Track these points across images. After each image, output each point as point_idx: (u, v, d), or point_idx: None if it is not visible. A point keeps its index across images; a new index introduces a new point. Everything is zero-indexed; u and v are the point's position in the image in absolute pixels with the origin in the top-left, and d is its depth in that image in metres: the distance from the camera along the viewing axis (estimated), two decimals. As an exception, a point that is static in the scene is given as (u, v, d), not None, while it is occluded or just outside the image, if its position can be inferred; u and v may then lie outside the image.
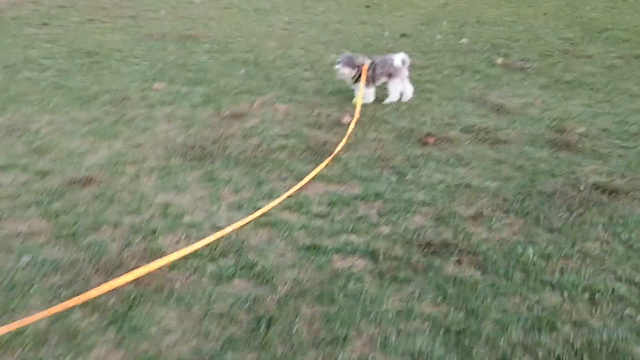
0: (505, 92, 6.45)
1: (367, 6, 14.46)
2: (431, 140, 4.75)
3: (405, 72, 5.86)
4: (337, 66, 5.72)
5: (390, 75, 5.79)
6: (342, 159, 4.36)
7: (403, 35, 9.93)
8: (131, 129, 4.86)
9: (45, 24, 9.56)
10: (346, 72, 5.69)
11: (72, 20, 10.11)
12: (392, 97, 5.91)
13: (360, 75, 5.69)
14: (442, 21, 11.95)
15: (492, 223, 3.47)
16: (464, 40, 9.56)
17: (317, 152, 4.43)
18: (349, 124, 5.01)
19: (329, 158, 4.25)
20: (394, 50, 8.46)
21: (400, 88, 5.90)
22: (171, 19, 10.98)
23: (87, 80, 6.28)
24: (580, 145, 4.74)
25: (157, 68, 6.96)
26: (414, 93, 6.05)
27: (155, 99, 5.74)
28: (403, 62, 5.78)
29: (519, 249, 3.18)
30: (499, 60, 7.98)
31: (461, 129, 5.12)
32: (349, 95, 6.03)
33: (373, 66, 5.70)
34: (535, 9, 13.90)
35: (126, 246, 3.08)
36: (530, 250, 3.13)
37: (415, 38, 9.79)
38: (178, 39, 8.81)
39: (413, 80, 6.47)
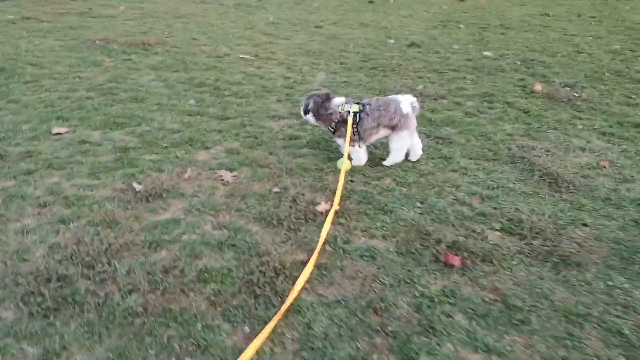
0: (555, 143, 4.55)
1: (371, 1, 12.49)
2: (456, 260, 2.87)
3: (414, 122, 3.98)
4: (300, 110, 3.95)
5: (394, 128, 3.91)
6: (303, 308, 2.48)
7: (412, 44, 7.99)
8: (-33, 229, 2.99)
9: (-38, 24, 7.68)
10: (310, 120, 3.88)
11: (2, 18, 8.21)
12: (396, 156, 4.04)
13: (338, 127, 3.85)
14: (458, 24, 9.98)
15: None
16: (488, 53, 7.63)
17: (262, 294, 2.55)
18: (326, 214, 3.14)
19: (277, 316, 2.37)
20: (400, 67, 6.50)
21: (408, 144, 4.03)
22: (129, 16, 9.06)
23: (-40, 119, 4.41)
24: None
25: (75, 97, 5.07)
26: (425, 147, 4.18)
27: (43, 157, 3.87)
28: (413, 108, 3.90)
29: None
30: (538, 87, 6.06)
31: (502, 227, 3.23)
32: (334, 152, 4.15)
33: (364, 114, 3.82)
34: (566, 9, 11.91)
35: None
36: None
37: (427, 48, 7.85)
38: (125, 46, 6.90)
39: (425, 120, 4.62)
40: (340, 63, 6.82)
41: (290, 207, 3.29)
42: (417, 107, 3.99)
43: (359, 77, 6.26)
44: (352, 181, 3.73)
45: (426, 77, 6.41)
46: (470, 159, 4.22)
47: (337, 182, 3.64)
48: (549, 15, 11.14)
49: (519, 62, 7.15)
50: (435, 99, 5.60)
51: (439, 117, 5.07)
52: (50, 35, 7.41)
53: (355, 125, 3.78)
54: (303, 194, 3.45)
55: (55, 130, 4.29)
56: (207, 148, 4.16)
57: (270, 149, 4.20)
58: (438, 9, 11.87)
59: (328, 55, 7.21)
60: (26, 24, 8.03)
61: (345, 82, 6.03)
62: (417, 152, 4.13)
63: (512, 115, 5.21)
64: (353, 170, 3.87)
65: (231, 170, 3.80)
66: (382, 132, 3.98)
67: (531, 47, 8.13)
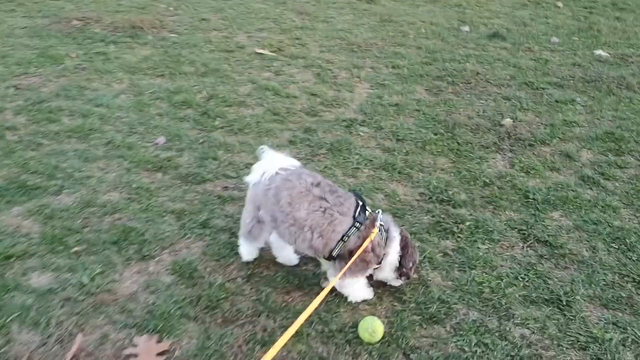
0: None
1: (441, -36, 10.14)
2: None
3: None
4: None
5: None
6: None
7: (494, 35, 5.90)
8: None
9: None
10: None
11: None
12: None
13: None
14: (555, 0, 7.69)
15: None
16: (602, 53, 5.47)
17: None
18: None
19: None
20: (478, 78, 4.19)
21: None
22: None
23: None
24: None
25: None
26: (523, 268, 2.33)
27: None
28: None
29: None
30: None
31: None
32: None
33: None
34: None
35: None
36: None
37: (515, 42, 5.77)
38: (109, 30, 5.20)
39: (516, 195, 2.75)
40: (393, 67, 4.87)
41: None
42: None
43: (417, 95, 4.34)
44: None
45: (515, 96, 4.40)
46: (605, 307, 2.34)
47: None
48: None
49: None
50: (530, 145, 3.66)
51: (539, 187, 3.15)
52: (20, 10, 5.76)
53: None
54: None
55: None
56: (144, 258, 2.44)
57: (253, 267, 2.44)
58: (525, -23, 9.46)
59: (378, 50, 5.26)
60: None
61: (395, 105, 4.13)
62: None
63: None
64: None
65: (165, 334, 2.06)
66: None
67: (662, 44, 5.88)
